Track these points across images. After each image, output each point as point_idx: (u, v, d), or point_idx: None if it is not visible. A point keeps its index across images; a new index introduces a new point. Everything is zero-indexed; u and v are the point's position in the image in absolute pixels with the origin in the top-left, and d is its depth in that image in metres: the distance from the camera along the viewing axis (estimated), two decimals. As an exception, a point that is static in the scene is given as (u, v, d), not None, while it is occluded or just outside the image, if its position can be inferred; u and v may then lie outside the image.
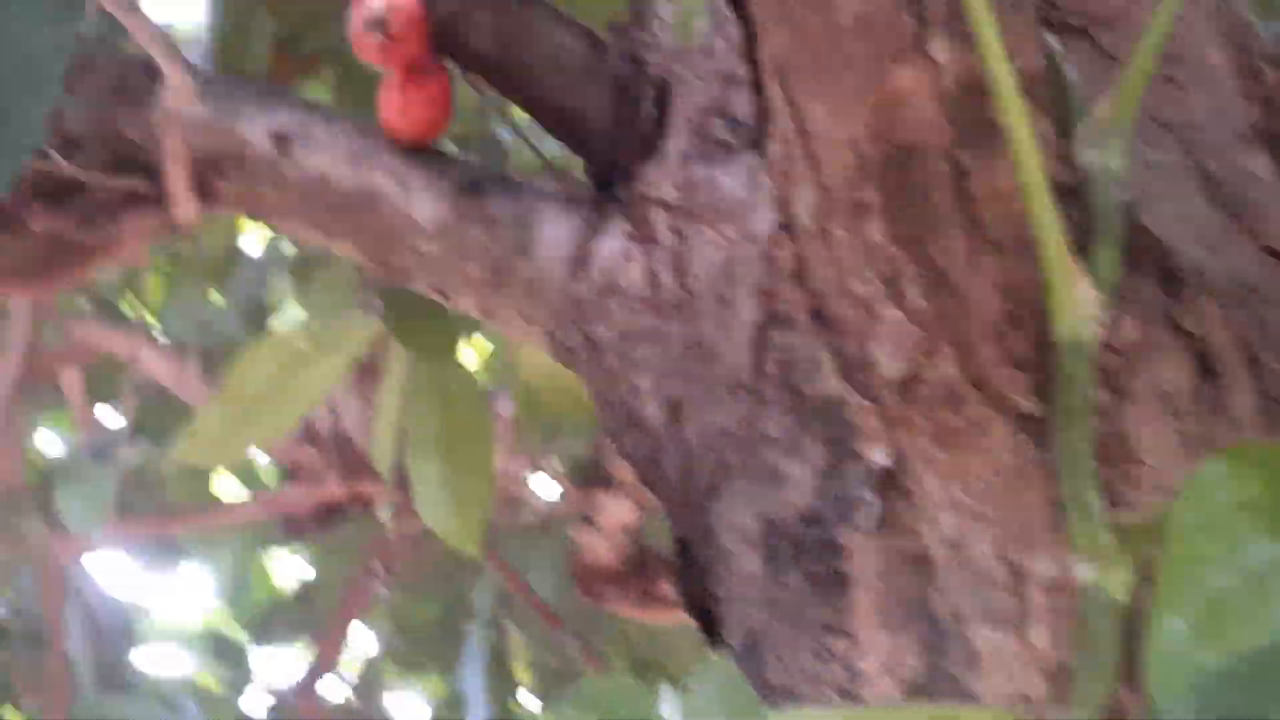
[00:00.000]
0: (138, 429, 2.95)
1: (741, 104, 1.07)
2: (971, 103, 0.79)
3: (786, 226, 0.89)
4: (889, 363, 0.85)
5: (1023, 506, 0.85)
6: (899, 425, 0.87)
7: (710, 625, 1.01)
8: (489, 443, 1.61)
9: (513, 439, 2.46)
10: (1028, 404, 0.84)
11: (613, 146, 1.15)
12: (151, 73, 1.20)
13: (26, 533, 2.51)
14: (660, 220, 1.07)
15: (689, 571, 1.02)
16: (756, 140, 0.89)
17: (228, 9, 1.36)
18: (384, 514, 1.70)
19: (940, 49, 0.77)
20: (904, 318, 0.83)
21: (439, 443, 1.61)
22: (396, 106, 1.15)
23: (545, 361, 2.24)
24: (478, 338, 2.73)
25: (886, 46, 0.77)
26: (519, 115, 1.69)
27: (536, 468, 2.50)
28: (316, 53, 1.43)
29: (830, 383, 0.89)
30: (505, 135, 1.78)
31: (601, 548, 1.87)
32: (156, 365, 2.46)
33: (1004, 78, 0.75)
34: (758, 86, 0.85)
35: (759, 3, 0.81)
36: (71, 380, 2.79)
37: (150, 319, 2.92)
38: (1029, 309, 0.82)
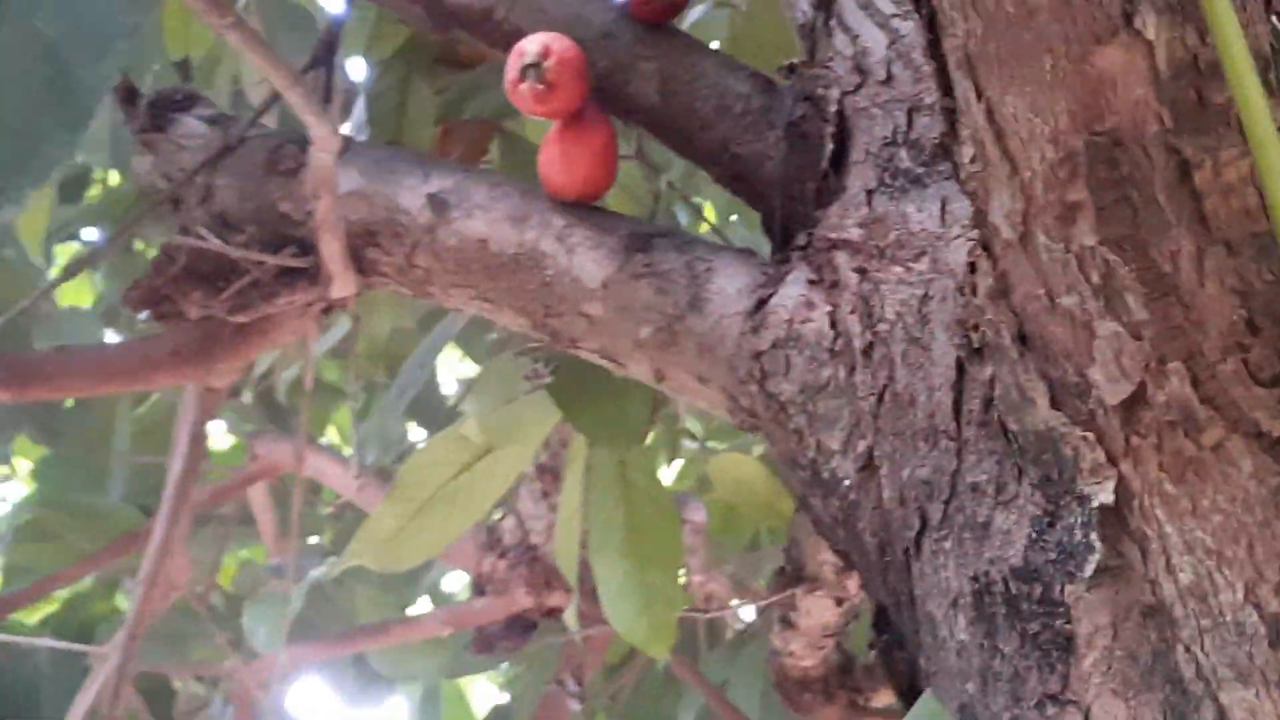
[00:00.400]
0: (329, 550, 2.96)
1: (930, 132, 1.01)
2: (1189, 85, 0.72)
3: (984, 242, 0.82)
4: (1109, 385, 0.77)
5: (1275, 543, 0.75)
6: (1124, 457, 0.78)
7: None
8: (677, 538, 1.54)
9: (706, 552, 2.39)
10: (1276, 425, 0.75)
11: (790, 190, 1.10)
12: (305, 146, 1.19)
13: (215, 659, 2.52)
14: (844, 263, 1.01)
15: (890, 644, 0.94)
16: (945, 148, 0.83)
17: (384, 77, 1.35)
18: (571, 622, 1.65)
19: (1151, 25, 0.70)
20: (1124, 331, 0.76)
21: (623, 538, 1.55)
22: (557, 161, 1.12)
23: (739, 472, 2.19)
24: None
25: (1088, 25, 0.71)
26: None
27: (734, 583, 2.43)
28: (479, 121, 1.41)
29: (1042, 415, 0.81)
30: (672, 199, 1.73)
31: (803, 653, 1.78)
32: (345, 483, 2.45)
33: (1238, 55, 0.67)
34: (944, 85, 0.79)
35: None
36: (261, 500, 2.80)
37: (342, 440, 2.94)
38: (1271, 315, 0.74)
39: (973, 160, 0.79)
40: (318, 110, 0.99)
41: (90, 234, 2.79)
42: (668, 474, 3.06)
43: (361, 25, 1.41)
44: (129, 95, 1.27)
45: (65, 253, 3.13)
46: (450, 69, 1.42)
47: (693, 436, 2.93)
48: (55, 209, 2.76)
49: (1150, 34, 0.70)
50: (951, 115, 0.80)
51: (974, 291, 0.88)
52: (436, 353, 1.65)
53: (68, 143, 0.48)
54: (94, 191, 2.93)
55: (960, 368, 0.90)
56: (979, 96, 0.76)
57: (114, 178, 2.72)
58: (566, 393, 1.37)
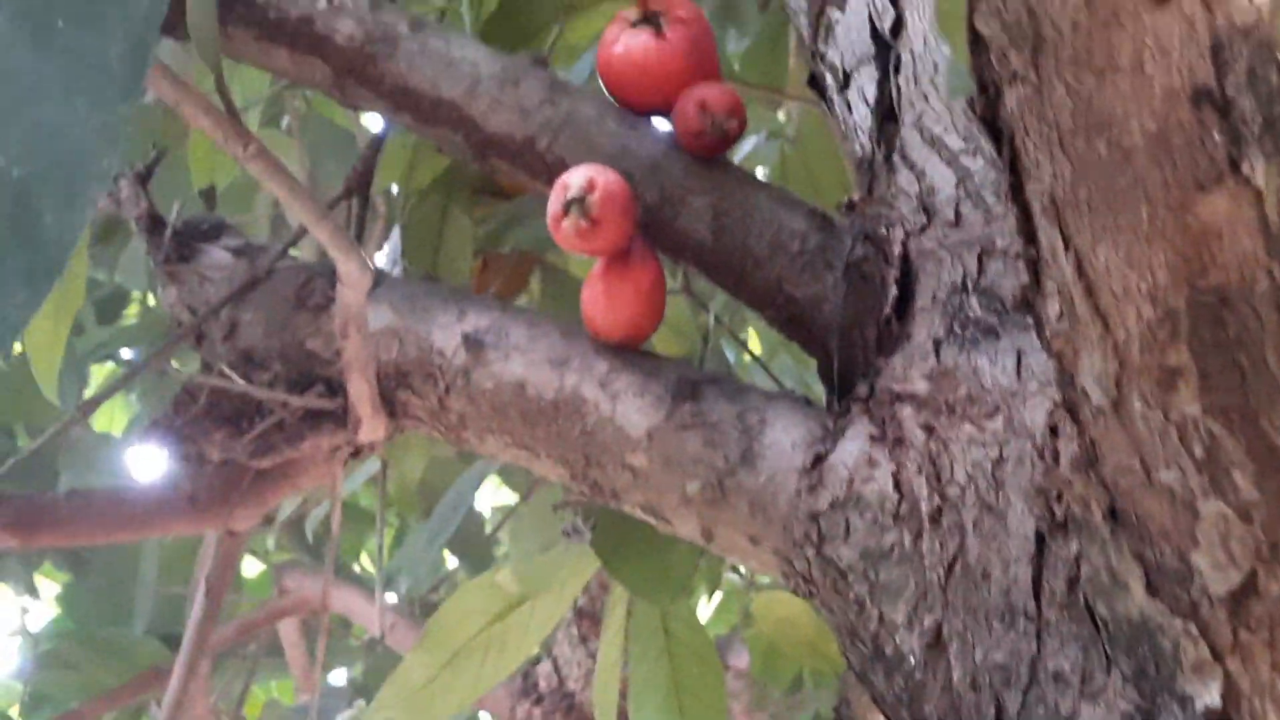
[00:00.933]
0: (360, 685, 2.87)
1: (1003, 278, 0.95)
2: (1304, 236, 0.65)
3: (1070, 407, 0.75)
4: (1215, 573, 0.69)
5: None
6: (1232, 654, 0.70)
7: None
8: (720, 692, 1.46)
9: (750, 696, 2.30)
10: (1407, 622, 0.67)
11: (850, 337, 1.03)
12: (334, 280, 1.14)
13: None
14: (909, 418, 0.93)
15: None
16: (1026, 302, 0.76)
17: (420, 206, 1.30)
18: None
19: (1259, 170, 0.64)
20: (1232, 513, 0.68)
21: (665, 695, 1.47)
22: (601, 301, 1.05)
23: (782, 610, 2.10)
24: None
25: (1189, 170, 0.64)
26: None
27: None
28: (519, 253, 1.35)
29: (1137, 602, 0.73)
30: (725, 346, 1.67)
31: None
32: (375, 621, 2.37)
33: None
34: (1027, 233, 0.72)
35: (1026, 128, 0.69)
36: (292, 635, 2.73)
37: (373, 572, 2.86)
38: (1399, 497, 0.66)
39: (1059, 317, 0.72)
40: (347, 246, 0.93)
41: (128, 354, 2.76)
42: (708, 608, 2.97)
43: (399, 152, 1.36)
44: (154, 224, 1.21)
45: (101, 373, 3.10)
46: (489, 199, 1.37)
47: (735, 569, 2.85)
48: (92, 329, 2.73)
49: (1259, 180, 0.64)
50: (1035, 266, 0.73)
51: (1056, 458, 0.80)
52: (475, 489, 1.58)
53: (31, 304, 0.42)
54: (132, 310, 2.90)
55: (1040, 541, 0.82)
56: (1067, 246, 0.69)
57: (153, 297, 2.69)
58: (607, 543, 1.30)
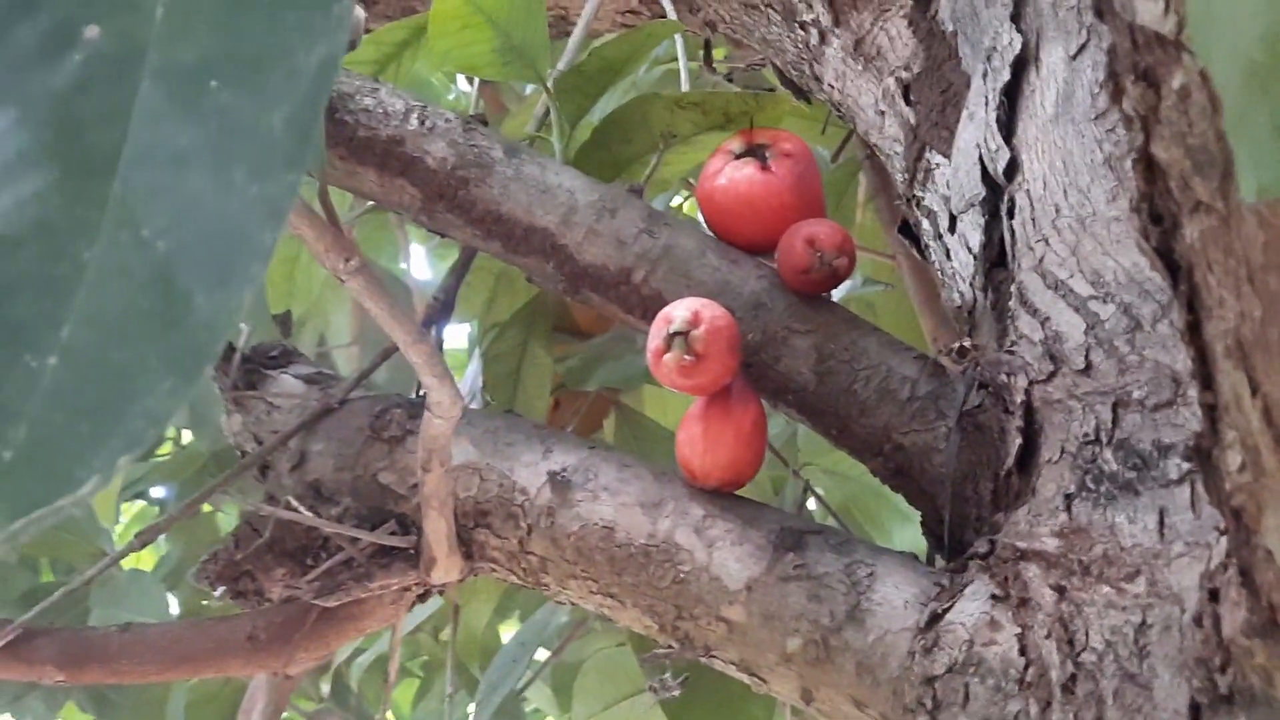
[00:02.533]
0: None
1: (1141, 431, 0.89)
2: None
3: (1244, 569, 0.68)
4: None
5: None
6: None
7: None
8: None
9: None
10: None
11: (962, 489, 0.98)
12: (412, 411, 1.08)
13: None
14: (1037, 578, 0.87)
15: None
16: (1202, 451, 0.70)
17: (499, 341, 1.25)
18: None
19: None
20: None
21: None
22: (699, 442, 1.00)
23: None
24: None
25: (1399, 312, 0.59)
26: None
27: None
28: (594, 394, 1.31)
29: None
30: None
31: None
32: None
33: None
34: (1204, 377, 0.66)
35: (1210, 262, 0.64)
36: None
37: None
38: None
39: (1240, 469, 0.66)
40: (441, 372, 0.88)
41: (158, 492, 2.70)
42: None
43: (481, 284, 1.32)
44: (223, 350, 1.17)
45: (128, 511, 3.04)
46: (567, 337, 1.33)
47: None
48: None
49: None
50: (1212, 412, 0.67)
51: (1217, 626, 0.73)
52: (534, 649, 1.51)
53: (177, 393, 0.36)
54: (165, 449, 2.85)
55: (1196, 714, 0.75)
56: (1254, 393, 0.63)
57: (187, 434, 2.64)
58: (678, 704, 1.23)
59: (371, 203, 1.16)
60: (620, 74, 1.18)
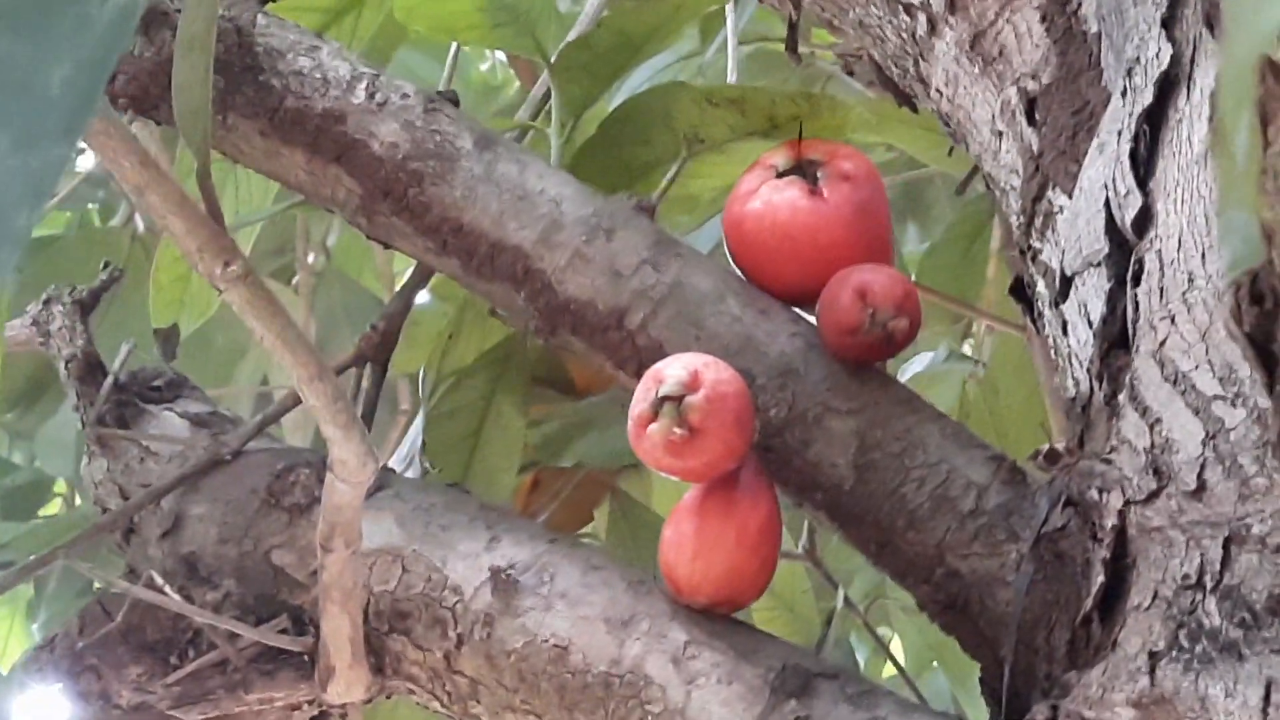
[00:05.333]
0: None
1: (1256, 577, 0.92)
2: None
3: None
4: None
5: None
6: None
7: None
8: None
9: None
10: None
11: (1031, 635, 1.01)
12: (320, 473, 1.13)
13: None
14: (1103, 761, 0.91)
15: None
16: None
17: (456, 392, 1.29)
18: None
19: None
20: None
21: None
22: (688, 544, 1.05)
23: None
24: None
25: None
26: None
27: None
28: (585, 473, 1.35)
29: None
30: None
31: None
32: None
33: None
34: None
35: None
36: None
37: None
38: None
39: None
40: (347, 421, 0.93)
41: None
42: None
43: (437, 315, 1.38)
44: (89, 370, 1.23)
45: None
46: (553, 394, 1.37)
47: None
48: (-1, 524, 2.74)
49: None
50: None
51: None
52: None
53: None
54: (53, 506, 2.91)
55: None
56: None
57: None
58: None
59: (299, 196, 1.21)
60: (641, 53, 1.23)
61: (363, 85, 1.17)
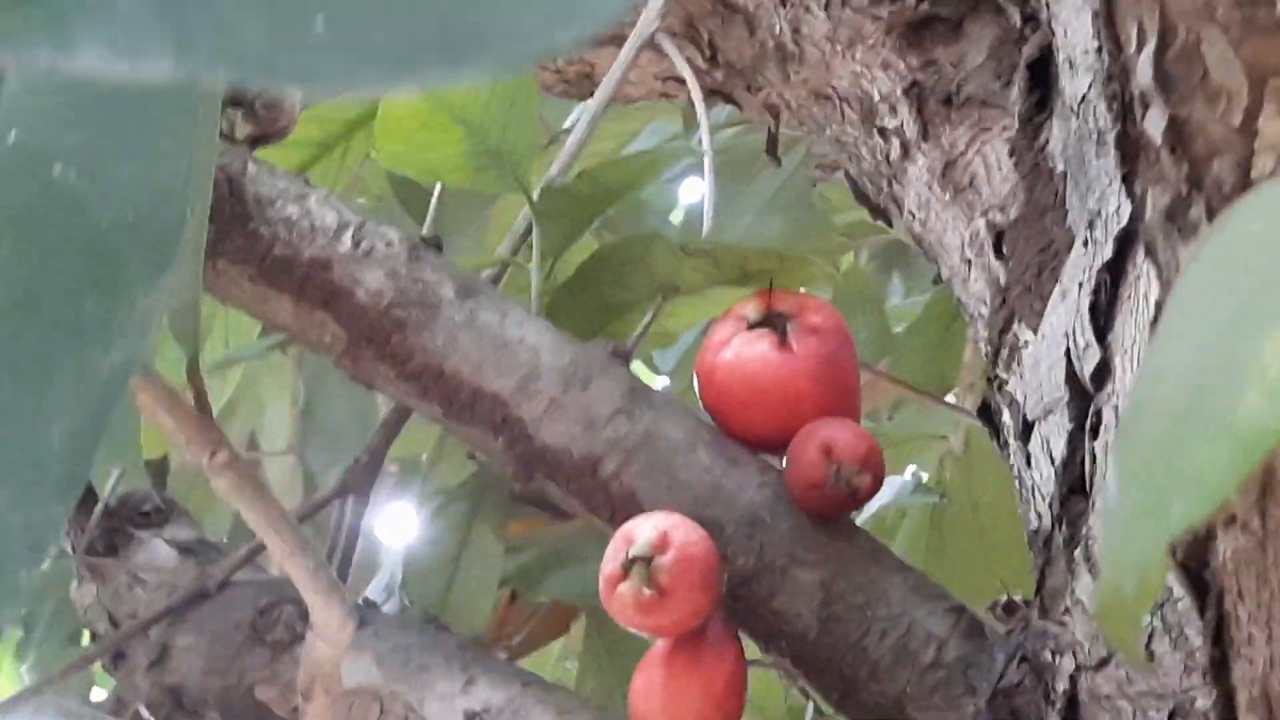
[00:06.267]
0: None
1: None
2: None
3: None
4: None
5: None
6: None
7: None
8: None
9: None
10: None
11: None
12: (303, 609, 1.17)
13: None
14: None
15: None
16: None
17: (437, 517, 1.33)
18: None
19: None
20: None
21: None
22: (656, 697, 1.08)
23: None
24: None
25: None
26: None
27: None
28: (560, 600, 1.38)
29: None
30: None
31: None
32: None
33: None
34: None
35: (1241, 589, 0.72)
36: None
37: None
38: None
39: None
40: (327, 588, 0.97)
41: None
42: None
43: (415, 440, 1.41)
44: (80, 497, 1.26)
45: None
46: (533, 514, 1.40)
47: None
48: None
49: None
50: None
51: None
52: None
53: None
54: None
55: None
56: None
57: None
58: None
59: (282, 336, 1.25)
60: (618, 198, 1.27)
61: (349, 233, 1.20)
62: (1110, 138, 0.95)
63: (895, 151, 1.42)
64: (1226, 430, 0.47)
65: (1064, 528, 1.15)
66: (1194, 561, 0.74)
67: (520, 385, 1.17)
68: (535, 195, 1.29)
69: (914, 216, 1.42)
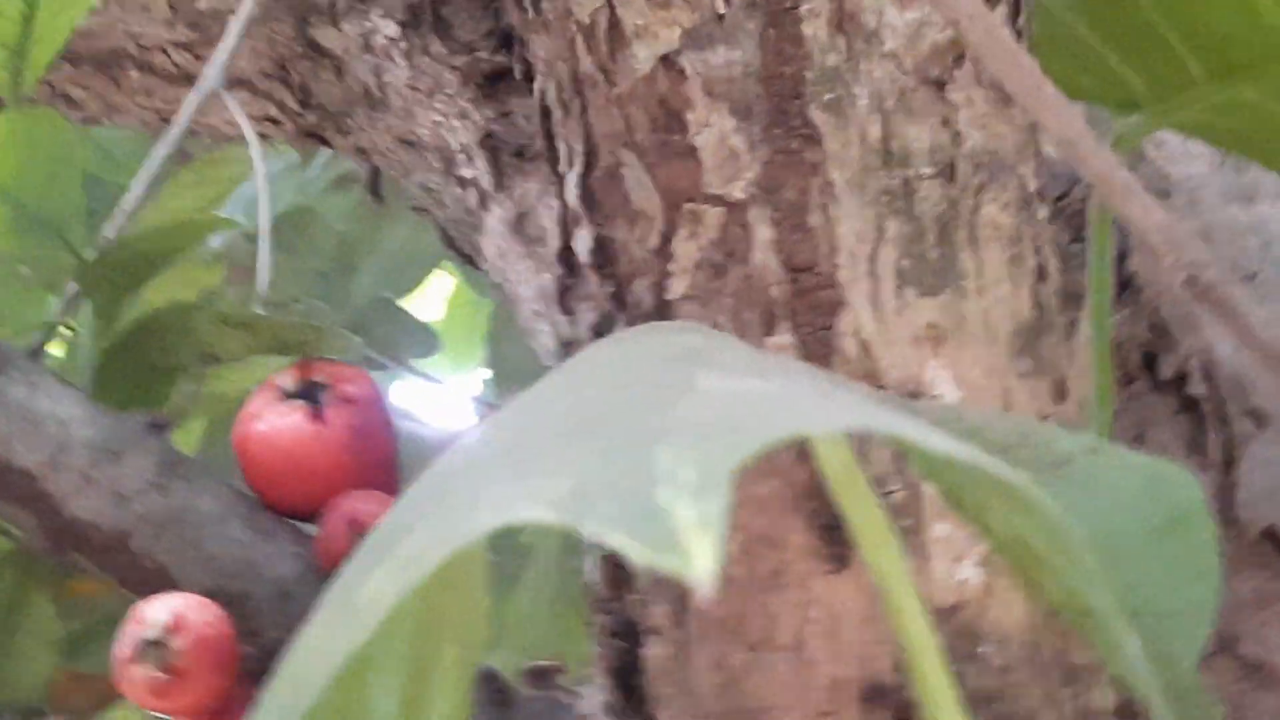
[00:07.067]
0: None
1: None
2: None
3: None
4: None
5: None
6: None
7: None
8: None
9: None
10: None
11: None
12: None
13: None
14: None
15: None
16: None
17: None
18: None
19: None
20: None
21: None
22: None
23: None
24: None
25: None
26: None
27: None
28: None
29: None
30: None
31: None
32: None
33: None
34: None
35: (666, 699, 0.74)
36: None
37: None
38: None
39: None
40: None
41: None
42: None
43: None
44: None
45: None
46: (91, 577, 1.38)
47: None
48: None
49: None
50: None
51: None
52: None
53: None
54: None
55: None
56: None
57: None
58: None
59: None
60: (163, 263, 1.25)
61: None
62: (552, 253, 0.98)
63: (473, 200, 1.43)
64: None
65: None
66: (621, 666, 0.75)
67: (50, 459, 1.15)
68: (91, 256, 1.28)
69: (495, 266, 1.43)
